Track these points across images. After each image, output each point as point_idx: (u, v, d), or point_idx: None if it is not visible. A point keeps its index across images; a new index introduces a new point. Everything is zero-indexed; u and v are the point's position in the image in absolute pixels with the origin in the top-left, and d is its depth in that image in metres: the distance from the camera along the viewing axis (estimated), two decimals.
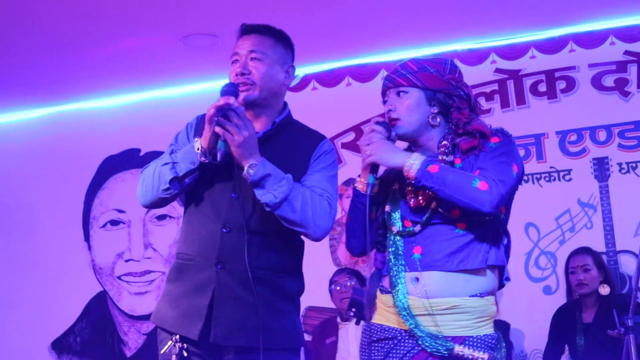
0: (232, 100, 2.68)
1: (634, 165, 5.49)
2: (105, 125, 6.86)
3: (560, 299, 5.34)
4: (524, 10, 5.47)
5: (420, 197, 2.69)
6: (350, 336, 5.29)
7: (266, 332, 2.71)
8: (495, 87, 5.92)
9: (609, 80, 5.65)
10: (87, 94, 6.75)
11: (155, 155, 6.35)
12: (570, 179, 5.64)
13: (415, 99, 2.77)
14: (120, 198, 6.83)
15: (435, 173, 2.58)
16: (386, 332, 2.71)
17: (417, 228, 2.69)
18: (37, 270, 6.88)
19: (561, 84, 5.76)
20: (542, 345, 5.25)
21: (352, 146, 6.17)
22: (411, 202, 2.72)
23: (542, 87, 5.81)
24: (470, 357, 2.59)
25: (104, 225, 6.88)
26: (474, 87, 5.76)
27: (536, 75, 5.84)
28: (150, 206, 2.93)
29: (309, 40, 5.74)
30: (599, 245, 5.41)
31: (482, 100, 5.90)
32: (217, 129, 2.66)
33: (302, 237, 2.88)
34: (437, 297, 2.62)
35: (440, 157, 2.73)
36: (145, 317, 6.57)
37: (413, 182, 2.63)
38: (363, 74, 6.22)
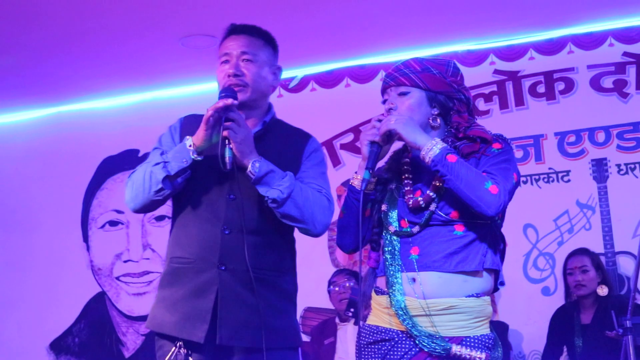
0: (230, 101, 2.69)
1: (632, 166, 5.50)
2: (104, 126, 6.86)
3: (558, 300, 5.34)
4: (523, 12, 5.47)
5: (420, 198, 2.69)
6: (348, 337, 5.28)
7: (269, 332, 2.72)
8: (494, 88, 5.92)
9: (607, 82, 5.66)
10: (86, 94, 6.74)
11: None
12: (568, 180, 5.64)
13: (416, 100, 2.76)
14: (119, 199, 6.81)
15: (453, 163, 2.57)
16: (383, 334, 2.70)
17: (416, 229, 2.69)
18: (35, 271, 6.88)
19: (560, 85, 5.77)
20: (540, 346, 5.25)
21: (351, 147, 6.17)
22: (410, 203, 2.71)
23: (541, 88, 5.81)
24: (467, 356, 2.58)
25: (103, 226, 6.88)
26: (472, 88, 5.77)
27: (535, 77, 5.84)
28: (141, 210, 2.91)
29: (308, 41, 5.75)
30: (598, 247, 5.41)
31: (480, 102, 5.90)
32: (225, 133, 2.68)
33: (302, 233, 2.88)
34: (434, 298, 2.62)
35: None
36: (144, 318, 6.55)
37: (429, 165, 2.61)
38: (362, 75, 6.22)
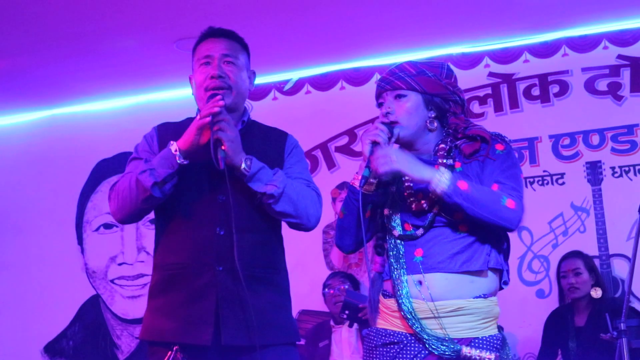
0: (222, 102, 2.71)
1: (626, 169, 5.50)
2: (99, 129, 6.84)
3: (553, 302, 5.35)
4: (518, 14, 5.48)
5: (422, 201, 2.69)
6: (343, 339, 5.28)
7: (270, 328, 2.73)
8: (489, 91, 5.93)
9: (602, 84, 5.67)
10: (80, 97, 6.73)
11: None
12: (563, 183, 5.65)
13: (413, 103, 2.77)
14: None
15: (465, 190, 2.57)
16: (391, 337, 2.71)
17: (420, 232, 2.70)
18: (30, 274, 6.86)
19: (554, 88, 5.77)
20: (535, 348, 5.26)
21: (346, 150, 6.17)
22: (413, 206, 2.72)
23: (536, 91, 5.82)
24: (477, 357, 2.59)
25: (97, 229, 6.87)
26: (467, 91, 5.80)
27: (529, 79, 5.84)
28: (127, 220, 2.91)
29: (303, 44, 5.75)
30: (592, 249, 5.42)
31: (475, 104, 5.91)
32: (217, 135, 2.69)
33: (294, 229, 2.90)
34: (442, 300, 2.63)
35: (439, 161, 2.74)
36: (139, 321, 6.56)
37: (441, 197, 2.60)
38: (357, 77, 6.22)
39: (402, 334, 2.68)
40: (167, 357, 2.65)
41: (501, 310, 2.79)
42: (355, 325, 5.11)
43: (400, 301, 2.66)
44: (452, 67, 2.90)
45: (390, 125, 2.75)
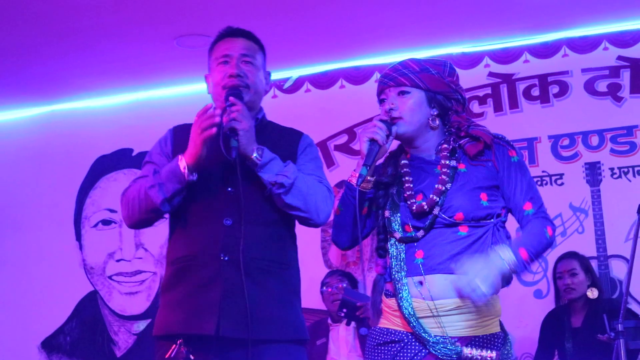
0: (218, 120, 2.71)
1: (625, 170, 5.51)
2: (98, 125, 6.84)
3: (550, 303, 5.35)
4: (518, 15, 5.48)
5: (423, 203, 2.69)
6: (340, 337, 5.28)
7: (273, 324, 2.70)
8: (489, 91, 5.93)
9: (601, 85, 5.67)
10: (80, 93, 6.73)
11: None
12: (562, 184, 5.65)
13: (417, 100, 2.77)
14: (112, 198, 6.80)
15: (528, 256, 2.61)
16: (392, 335, 2.70)
17: (420, 233, 2.69)
18: (28, 269, 6.86)
19: (554, 89, 5.77)
20: (532, 349, 5.26)
21: (345, 148, 6.17)
22: (414, 208, 2.71)
23: (535, 92, 5.82)
24: (479, 357, 2.59)
25: (96, 225, 6.86)
26: (467, 90, 5.72)
27: (529, 80, 5.85)
28: (137, 226, 2.93)
29: (303, 42, 5.75)
30: (590, 250, 5.42)
31: (475, 104, 5.91)
32: (231, 124, 2.69)
33: (303, 225, 2.87)
34: (441, 299, 2.63)
35: (443, 162, 2.74)
36: (136, 318, 6.56)
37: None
38: (357, 76, 6.22)
39: (403, 332, 2.68)
40: (170, 351, 2.63)
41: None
42: (353, 324, 5.10)
43: (400, 303, 2.66)
44: (454, 65, 2.91)
45: (389, 123, 2.75)
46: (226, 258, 2.71)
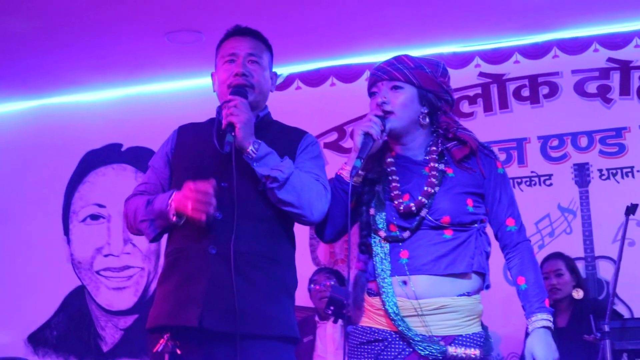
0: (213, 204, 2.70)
1: (614, 171, 5.52)
2: (88, 120, 6.83)
3: None
4: (509, 15, 5.49)
5: (412, 204, 2.69)
6: (327, 335, 5.29)
7: (259, 319, 2.68)
8: (479, 90, 5.94)
9: (591, 87, 5.68)
10: (71, 88, 6.71)
11: (136, 151, 6.31)
12: (550, 184, 5.66)
13: (409, 96, 2.79)
14: (101, 193, 6.79)
15: (546, 301, 2.82)
16: (375, 334, 2.71)
17: (406, 234, 2.70)
18: (15, 263, 6.84)
19: (544, 89, 5.79)
20: (519, 348, 5.26)
21: (335, 146, 6.17)
22: (401, 208, 2.71)
23: (525, 92, 5.83)
24: (463, 355, 2.61)
25: (84, 220, 6.85)
26: (457, 90, 5.79)
27: (520, 80, 5.86)
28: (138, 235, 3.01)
29: (294, 40, 5.74)
30: (578, 251, 5.43)
31: (465, 104, 5.92)
32: (229, 118, 2.71)
33: (297, 222, 2.86)
34: (426, 298, 2.64)
35: (431, 164, 2.74)
36: (123, 313, 6.55)
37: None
38: (347, 74, 6.22)
39: (387, 331, 2.69)
40: (158, 345, 2.63)
41: (485, 309, 2.81)
42: (340, 321, 5.10)
43: (385, 301, 2.66)
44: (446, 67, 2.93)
45: (383, 118, 2.75)
46: (214, 251, 2.72)
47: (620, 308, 5.22)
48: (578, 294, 5.04)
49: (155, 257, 6.52)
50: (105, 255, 6.71)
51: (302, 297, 5.62)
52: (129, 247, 6.64)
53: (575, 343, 4.65)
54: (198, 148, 2.89)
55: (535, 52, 5.84)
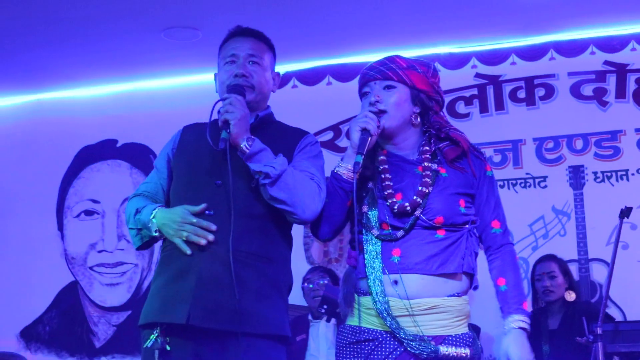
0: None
1: (609, 174, 5.53)
2: (84, 115, 6.82)
3: (528, 304, 5.36)
4: (506, 17, 5.49)
5: (406, 204, 2.69)
6: (320, 334, 5.29)
7: (246, 316, 2.65)
8: (475, 91, 5.94)
9: (587, 90, 5.69)
10: (67, 83, 6.70)
11: (132, 147, 6.30)
12: (545, 186, 5.67)
13: (402, 95, 2.80)
14: (96, 188, 6.79)
15: (526, 303, 2.86)
16: (365, 334, 2.70)
17: (400, 233, 2.70)
18: (9, 258, 6.83)
19: (540, 91, 5.79)
20: None
21: (331, 145, 6.17)
22: (395, 207, 2.71)
23: (521, 94, 5.84)
24: (455, 354, 2.62)
25: (78, 215, 6.84)
26: (453, 91, 5.82)
27: (516, 82, 5.86)
28: None
29: (291, 38, 5.74)
30: (572, 253, 5.44)
31: (461, 105, 5.92)
32: (225, 117, 2.71)
33: (289, 220, 2.83)
34: (417, 298, 2.64)
35: (425, 164, 2.75)
36: (116, 309, 6.55)
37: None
38: (344, 73, 6.21)
39: (377, 331, 2.68)
40: (148, 340, 2.63)
41: (479, 310, 2.83)
42: (333, 320, 5.11)
43: (375, 299, 2.66)
44: (438, 67, 2.93)
45: (378, 115, 2.75)
46: (204, 248, 2.71)
47: (613, 311, 5.23)
48: (571, 296, 5.05)
49: (149, 253, 6.51)
50: (99, 251, 6.71)
51: (295, 296, 5.62)
52: (123, 243, 6.63)
53: (567, 345, 4.67)
54: (197, 147, 2.89)
55: (531, 53, 5.84)
